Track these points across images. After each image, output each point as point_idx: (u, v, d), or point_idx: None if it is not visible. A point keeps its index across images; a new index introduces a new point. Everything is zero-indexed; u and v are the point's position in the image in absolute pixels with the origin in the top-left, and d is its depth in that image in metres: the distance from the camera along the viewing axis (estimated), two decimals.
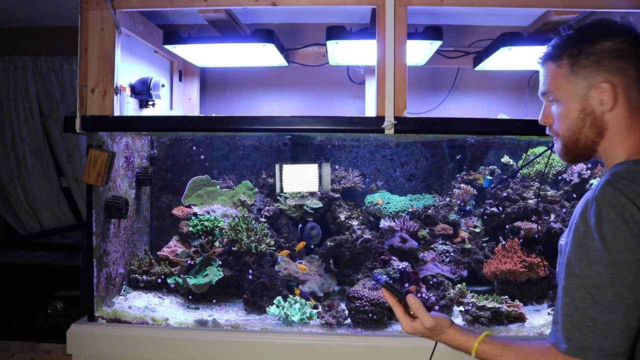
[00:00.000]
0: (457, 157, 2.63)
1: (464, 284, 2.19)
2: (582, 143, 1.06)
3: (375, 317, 2.00)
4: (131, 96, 2.12)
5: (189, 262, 2.34)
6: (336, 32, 2.08)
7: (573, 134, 1.06)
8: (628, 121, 1.02)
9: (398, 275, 2.19)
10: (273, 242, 2.34)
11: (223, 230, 2.38)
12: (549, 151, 2.20)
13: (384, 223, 2.45)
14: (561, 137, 1.09)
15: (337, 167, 2.63)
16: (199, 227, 2.39)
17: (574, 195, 2.45)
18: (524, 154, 2.56)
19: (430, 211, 2.50)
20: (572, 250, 0.96)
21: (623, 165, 1.00)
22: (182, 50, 2.24)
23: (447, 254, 2.42)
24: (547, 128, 1.14)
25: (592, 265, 0.92)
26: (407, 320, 1.17)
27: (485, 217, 2.49)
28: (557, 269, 1.08)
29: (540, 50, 1.13)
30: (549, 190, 2.48)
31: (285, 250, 2.36)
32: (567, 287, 0.96)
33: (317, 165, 2.51)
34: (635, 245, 0.90)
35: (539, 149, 2.51)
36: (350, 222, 2.50)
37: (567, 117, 1.06)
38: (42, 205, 3.16)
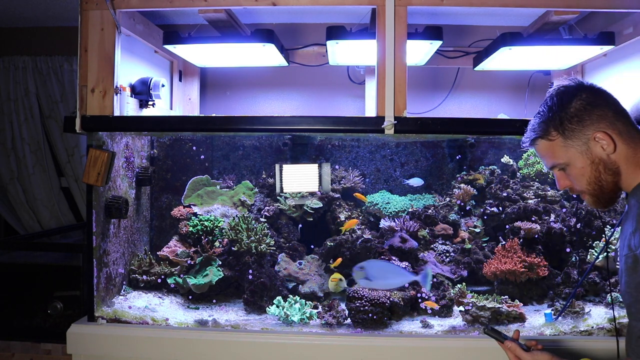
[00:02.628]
0: (457, 157, 2.63)
1: (464, 284, 2.19)
2: (606, 187, 1.15)
3: (375, 317, 2.00)
4: (131, 96, 2.12)
5: (189, 262, 2.34)
6: (336, 32, 2.08)
7: (596, 184, 1.16)
8: (631, 151, 1.12)
9: None
10: (273, 242, 2.34)
11: (223, 230, 2.38)
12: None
13: (384, 223, 2.45)
14: (587, 192, 1.19)
15: (337, 167, 2.63)
16: (199, 227, 2.39)
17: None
18: (524, 154, 2.56)
19: (430, 211, 2.50)
20: (627, 282, 1.04)
21: None
22: (182, 50, 2.25)
23: (447, 254, 2.42)
24: (569, 190, 1.24)
25: None
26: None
27: (485, 217, 2.49)
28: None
29: (523, 137, 1.25)
30: (549, 190, 2.48)
31: (339, 259, 2.29)
32: (635, 315, 1.04)
33: (317, 165, 2.51)
34: None
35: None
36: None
37: (583, 175, 1.16)
38: (42, 205, 3.16)
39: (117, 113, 1.99)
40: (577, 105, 1.13)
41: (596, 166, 1.14)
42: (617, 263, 1.18)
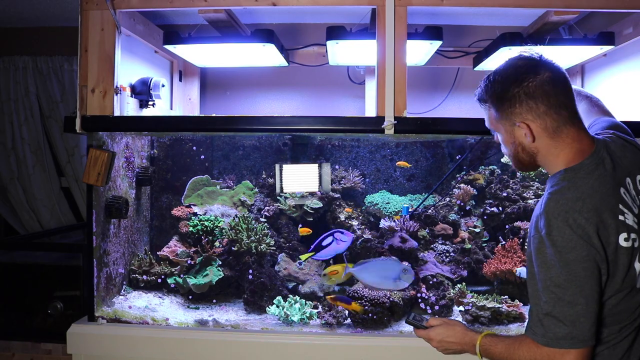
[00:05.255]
0: (457, 157, 2.63)
1: (464, 283, 2.19)
2: (525, 161, 1.25)
3: (375, 317, 2.00)
4: (131, 96, 2.12)
5: (189, 262, 2.34)
6: (336, 32, 2.08)
7: (514, 157, 1.26)
8: (553, 143, 1.19)
9: None
10: (273, 242, 2.34)
11: (223, 230, 2.38)
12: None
13: (384, 223, 2.45)
14: (509, 156, 1.29)
15: (337, 167, 2.63)
16: (199, 227, 2.39)
17: None
18: None
19: (430, 211, 2.50)
20: (534, 259, 1.12)
21: (557, 176, 1.17)
22: (182, 51, 2.25)
23: (447, 254, 2.42)
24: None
25: (550, 269, 1.08)
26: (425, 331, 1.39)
27: (485, 217, 2.50)
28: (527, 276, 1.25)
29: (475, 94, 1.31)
30: None
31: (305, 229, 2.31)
32: (533, 292, 1.12)
33: (317, 165, 2.51)
34: (581, 245, 1.06)
35: None
36: (350, 222, 2.50)
37: (506, 145, 1.27)
38: (42, 205, 3.16)
39: (117, 113, 1.99)
40: (516, 92, 1.17)
41: (516, 146, 1.23)
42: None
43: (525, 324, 1.18)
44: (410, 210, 2.48)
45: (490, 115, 1.26)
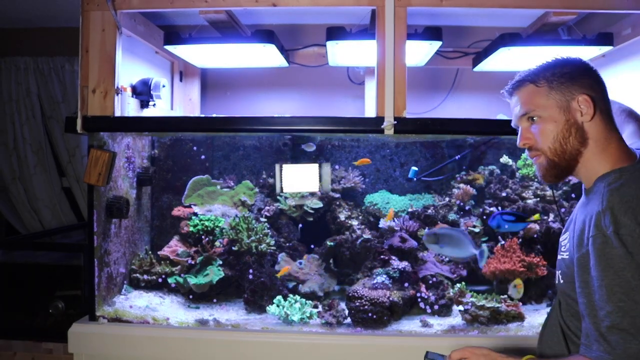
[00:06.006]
0: (457, 157, 2.63)
1: (463, 283, 2.20)
2: (568, 153, 1.12)
3: (375, 316, 2.01)
4: (132, 96, 2.13)
5: (189, 261, 2.35)
6: (336, 32, 2.09)
7: (560, 144, 1.12)
8: (605, 131, 1.11)
9: (398, 275, 2.19)
10: (273, 242, 2.35)
11: (223, 230, 2.39)
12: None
13: (383, 223, 2.46)
14: (547, 151, 1.14)
15: (337, 167, 2.64)
16: (199, 227, 2.40)
17: (573, 195, 2.46)
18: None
19: (429, 211, 2.51)
20: (595, 263, 0.98)
21: (612, 175, 1.07)
22: (183, 51, 2.25)
23: None
24: (527, 151, 1.20)
25: (619, 272, 0.94)
26: None
27: (484, 217, 2.50)
28: (561, 282, 1.14)
29: (510, 83, 1.22)
30: (547, 190, 2.48)
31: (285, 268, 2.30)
32: (592, 301, 0.97)
33: (317, 165, 2.52)
34: None
35: None
36: (350, 222, 2.50)
37: (553, 130, 1.12)
38: (44, 205, 3.16)
39: (118, 113, 2.00)
40: (574, 68, 1.14)
41: (569, 126, 1.11)
42: (563, 254, 1.16)
43: (582, 341, 1.02)
44: (417, 175, 2.47)
45: (538, 93, 1.14)
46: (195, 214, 2.49)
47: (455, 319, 2.11)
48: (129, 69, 2.15)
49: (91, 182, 1.99)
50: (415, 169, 2.48)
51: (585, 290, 1.00)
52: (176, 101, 2.68)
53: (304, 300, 2.15)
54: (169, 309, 2.21)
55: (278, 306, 2.11)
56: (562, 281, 1.18)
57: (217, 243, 2.39)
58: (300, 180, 2.48)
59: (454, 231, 2.13)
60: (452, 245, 2.05)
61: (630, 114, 1.41)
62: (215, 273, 2.27)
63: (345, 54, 2.30)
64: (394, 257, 2.27)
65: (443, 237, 2.06)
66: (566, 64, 1.15)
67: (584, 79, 1.12)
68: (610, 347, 0.92)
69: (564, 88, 1.12)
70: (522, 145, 1.19)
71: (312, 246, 2.48)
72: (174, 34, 2.13)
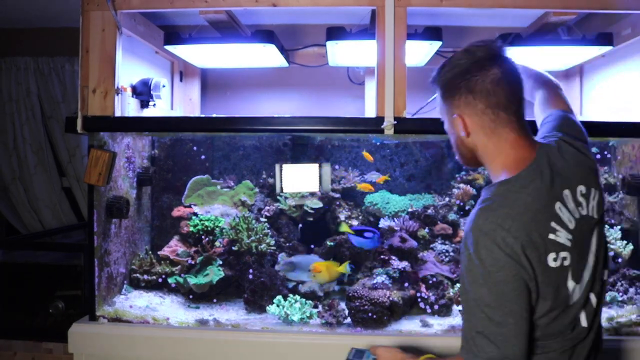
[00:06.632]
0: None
1: None
2: (464, 156, 1.25)
3: (375, 316, 2.01)
4: (132, 97, 2.13)
5: (189, 261, 2.35)
6: (336, 32, 2.09)
7: (456, 148, 1.26)
8: (489, 144, 1.17)
9: (398, 275, 2.20)
10: (273, 242, 2.35)
11: (223, 230, 2.39)
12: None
13: (383, 223, 2.46)
14: (453, 148, 1.27)
15: (337, 167, 2.64)
16: (199, 227, 2.40)
17: None
18: None
19: (429, 211, 2.51)
20: (465, 277, 1.09)
21: (491, 189, 1.13)
22: (183, 51, 2.26)
23: (447, 254, 2.43)
24: None
25: (479, 288, 1.04)
26: None
27: None
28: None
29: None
30: None
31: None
32: (467, 308, 1.08)
33: (317, 165, 2.52)
34: (509, 264, 1.02)
35: None
36: (350, 222, 2.51)
37: (451, 138, 1.25)
38: (44, 205, 3.17)
39: (118, 113, 2.00)
40: (459, 83, 1.16)
41: (456, 137, 1.22)
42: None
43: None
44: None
45: (438, 100, 1.25)
46: (195, 214, 2.49)
47: (456, 319, 2.11)
48: (129, 69, 2.15)
49: (91, 182, 1.99)
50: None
51: (463, 296, 1.10)
52: (176, 101, 2.68)
53: (304, 300, 2.15)
54: (169, 309, 2.21)
55: (278, 306, 2.11)
56: None
57: (217, 243, 2.39)
58: (300, 180, 2.48)
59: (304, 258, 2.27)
60: (303, 270, 2.20)
61: (538, 77, 1.49)
62: (215, 273, 2.27)
63: (345, 54, 2.30)
64: (394, 257, 2.27)
65: (298, 264, 2.21)
66: (452, 74, 1.18)
67: (461, 99, 1.16)
68: (477, 349, 1.04)
69: (448, 103, 1.21)
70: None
71: (312, 246, 2.48)
72: (174, 34, 2.13)
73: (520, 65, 1.22)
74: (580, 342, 1.12)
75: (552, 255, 1.05)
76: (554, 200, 1.09)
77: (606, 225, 2.28)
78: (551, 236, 1.06)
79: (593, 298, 1.13)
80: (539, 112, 1.41)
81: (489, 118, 1.15)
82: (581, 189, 1.14)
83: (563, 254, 1.07)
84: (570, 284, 1.08)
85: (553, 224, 1.07)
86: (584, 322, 1.11)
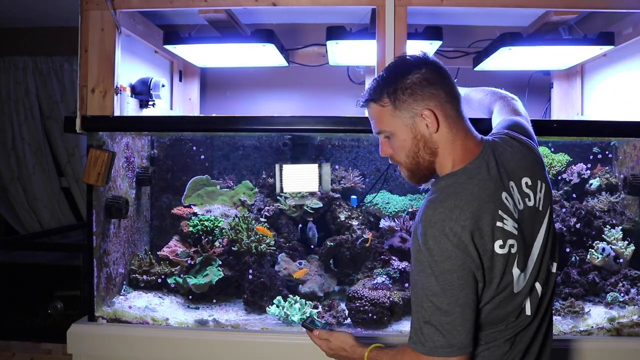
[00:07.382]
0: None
1: None
2: (422, 165, 1.20)
3: (375, 316, 2.01)
4: (131, 96, 2.13)
5: (189, 262, 2.34)
6: (336, 32, 2.08)
7: (413, 159, 1.19)
8: (450, 134, 1.17)
9: (398, 275, 2.19)
10: (273, 242, 2.34)
11: (223, 230, 2.38)
12: None
13: (383, 223, 2.46)
14: (404, 164, 1.22)
15: (337, 167, 2.63)
16: (199, 227, 2.39)
17: (574, 195, 2.45)
18: None
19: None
20: (414, 267, 1.11)
21: (438, 182, 1.16)
22: (182, 51, 2.25)
23: None
24: (389, 159, 1.27)
25: (427, 278, 1.06)
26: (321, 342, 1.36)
27: None
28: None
29: (360, 97, 1.28)
30: None
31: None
32: (415, 299, 1.10)
33: (317, 165, 2.51)
34: (456, 254, 1.04)
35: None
36: (350, 222, 2.50)
37: (403, 147, 1.19)
38: (43, 205, 3.16)
39: (117, 113, 1.99)
40: (414, 78, 1.14)
41: (417, 142, 1.17)
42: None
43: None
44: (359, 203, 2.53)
45: (385, 113, 1.19)
46: (195, 214, 2.48)
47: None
48: (129, 69, 2.15)
49: (90, 182, 1.98)
50: (355, 197, 2.54)
51: (413, 288, 1.12)
52: (176, 101, 2.67)
53: (304, 300, 2.15)
54: (168, 309, 2.20)
55: (278, 306, 2.10)
56: None
57: (216, 243, 2.38)
58: (300, 180, 2.47)
59: None
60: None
61: (493, 94, 1.57)
62: (214, 273, 2.27)
63: (345, 53, 2.30)
64: (394, 257, 2.27)
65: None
66: (405, 73, 1.15)
67: (424, 91, 1.14)
68: (424, 338, 1.07)
69: (407, 105, 1.15)
70: (383, 155, 1.26)
71: (312, 246, 2.47)
72: (173, 34, 2.12)
73: (472, 88, 1.29)
74: (523, 330, 1.15)
75: (499, 242, 1.08)
76: (500, 190, 1.12)
77: (607, 226, 2.28)
78: (499, 224, 1.08)
79: (538, 287, 1.16)
80: (494, 123, 1.44)
81: (451, 107, 1.17)
82: (526, 180, 1.17)
83: (510, 241, 1.09)
84: (515, 271, 1.10)
85: (500, 212, 1.09)
86: (528, 310, 1.15)
